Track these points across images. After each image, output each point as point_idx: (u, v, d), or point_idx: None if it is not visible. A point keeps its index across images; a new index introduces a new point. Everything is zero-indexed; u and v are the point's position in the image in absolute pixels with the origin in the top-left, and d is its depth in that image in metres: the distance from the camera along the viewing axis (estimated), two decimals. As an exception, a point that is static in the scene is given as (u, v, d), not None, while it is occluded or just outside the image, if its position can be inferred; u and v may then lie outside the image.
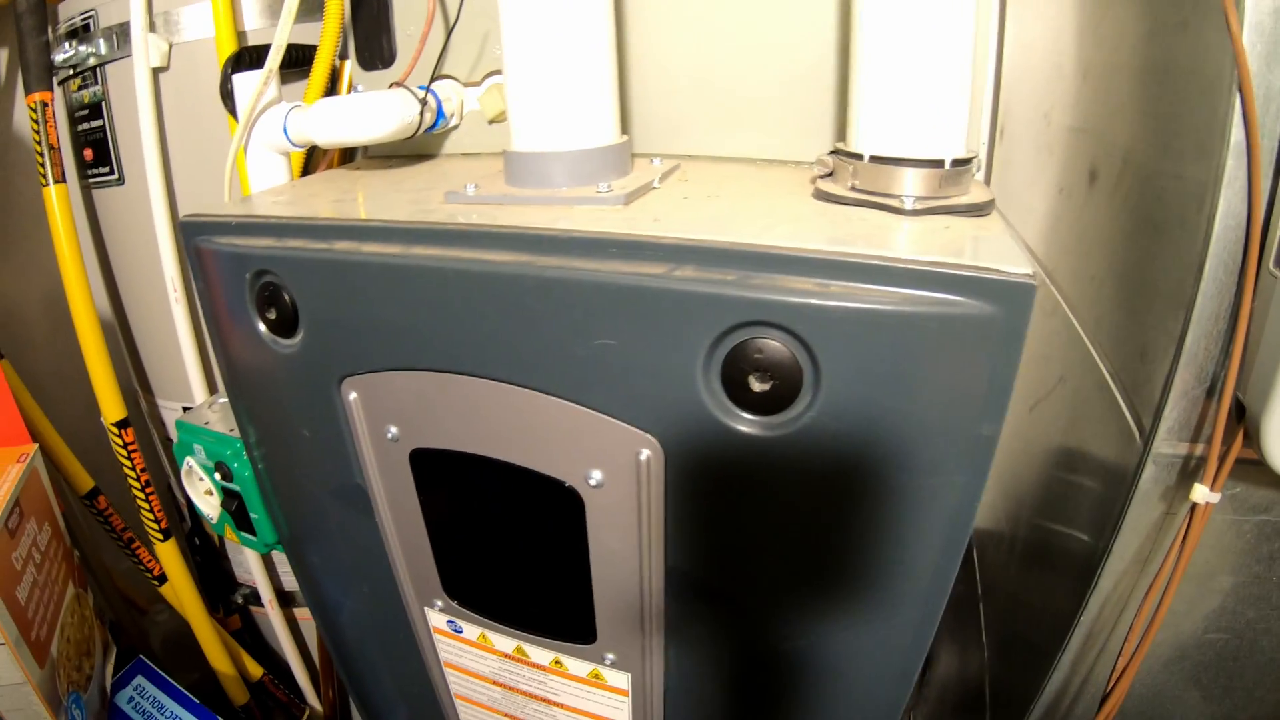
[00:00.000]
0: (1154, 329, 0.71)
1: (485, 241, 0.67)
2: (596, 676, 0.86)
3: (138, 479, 1.34)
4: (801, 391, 0.60)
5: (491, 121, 0.95)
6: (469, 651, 0.93)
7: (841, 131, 0.83)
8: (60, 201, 1.19)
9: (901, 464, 0.61)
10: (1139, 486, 0.71)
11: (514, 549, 0.82)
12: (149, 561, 1.44)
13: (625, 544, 0.74)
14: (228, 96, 1.05)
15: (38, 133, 1.17)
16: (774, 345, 0.59)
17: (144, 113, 1.17)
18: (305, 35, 1.00)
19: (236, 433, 0.98)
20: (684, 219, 0.67)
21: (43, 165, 1.18)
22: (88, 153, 1.31)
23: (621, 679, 0.85)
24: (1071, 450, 0.90)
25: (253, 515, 1.00)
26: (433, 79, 0.90)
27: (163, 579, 1.44)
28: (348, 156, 1.15)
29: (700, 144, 0.90)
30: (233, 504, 1.00)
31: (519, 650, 0.89)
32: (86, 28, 1.20)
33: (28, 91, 1.18)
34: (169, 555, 1.40)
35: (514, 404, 0.70)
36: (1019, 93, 1.03)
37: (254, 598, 1.55)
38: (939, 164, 0.66)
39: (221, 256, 0.78)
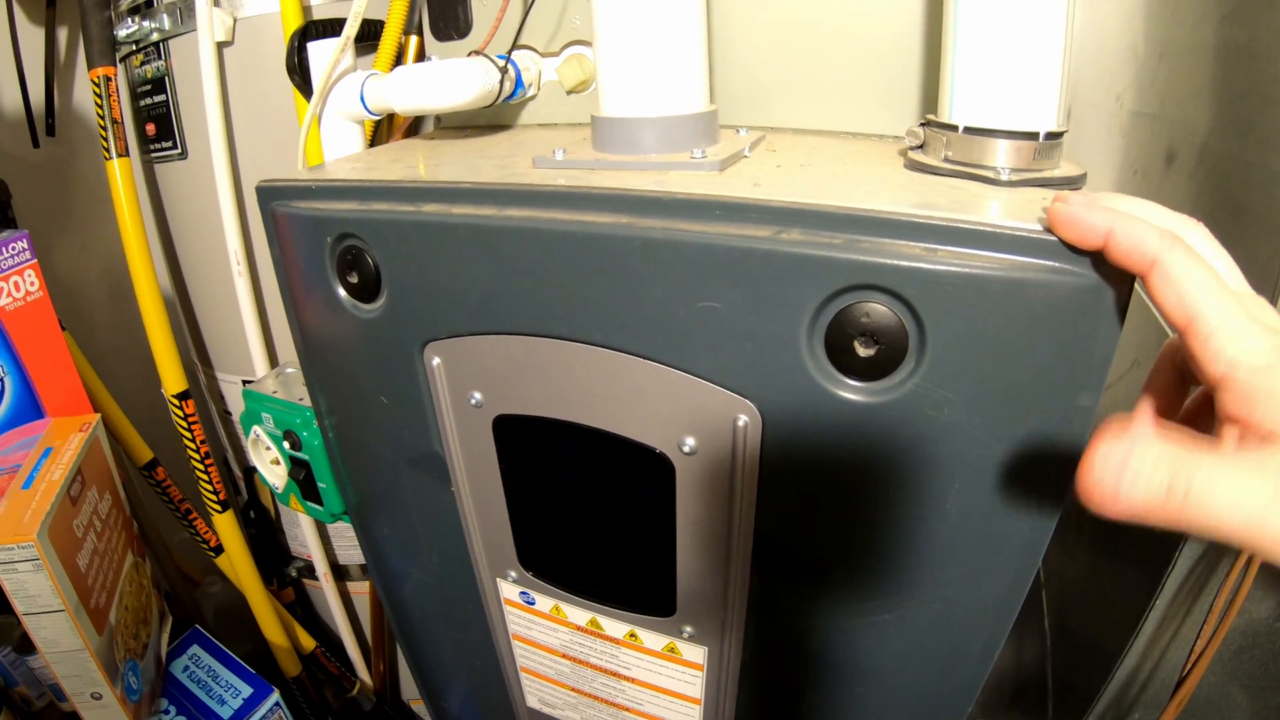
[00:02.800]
0: (1237, 311, 0.67)
1: (584, 203, 0.63)
2: (672, 650, 0.82)
3: (197, 450, 1.31)
4: (906, 357, 0.57)
5: (570, 92, 0.91)
6: (540, 624, 0.89)
7: (926, 106, 0.79)
8: (124, 175, 1.16)
9: (1000, 433, 0.58)
10: (1222, 467, 0.67)
11: (596, 518, 0.79)
12: (205, 533, 1.41)
13: (714, 513, 0.70)
14: (294, 70, 1.02)
15: (100, 107, 1.14)
16: (880, 310, 0.56)
17: (208, 87, 1.14)
18: (372, 10, 0.96)
19: (304, 401, 0.95)
20: (783, 185, 0.63)
21: (106, 139, 1.15)
22: (150, 127, 1.27)
23: (697, 653, 0.81)
24: (1148, 432, 0.86)
25: (320, 485, 0.97)
26: (512, 48, 0.86)
27: (219, 550, 1.41)
28: (414, 130, 1.12)
29: (782, 117, 0.86)
30: (300, 473, 0.97)
31: (593, 623, 0.85)
32: (150, 3, 1.17)
33: (90, 66, 1.15)
34: (226, 526, 1.37)
35: (606, 368, 0.66)
36: (1087, 74, 0.99)
37: (308, 571, 1.52)
38: (1034, 136, 0.62)
39: (301, 221, 0.75)
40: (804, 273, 0.56)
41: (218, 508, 1.35)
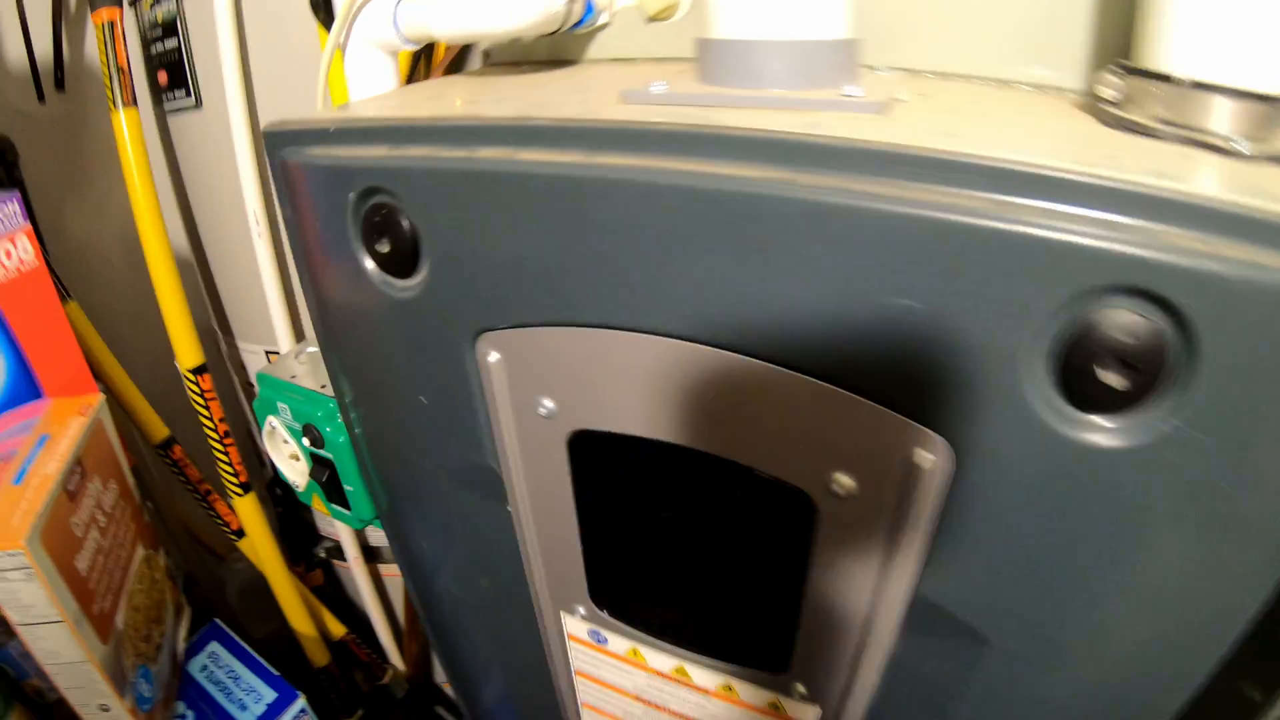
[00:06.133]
0: None
1: (718, 148, 0.40)
2: (775, 707, 0.61)
3: (215, 429, 1.09)
4: (1165, 389, 0.36)
5: (652, 19, 0.67)
6: (611, 664, 0.68)
7: (1101, 51, 0.55)
8: (131, 126, 0.95)
9: (1253, 485, 0.37)
10: None
11: (697, 559, 0.57)
12: (226, 515, 1.19)
13: (866, 566, 0.49)
14: (318, 7, 0.81)
15: (105, 54, 0.93)
16: (1138, 322, 0.35)
17: (223, 28, 0.93)
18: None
19: (329, 390, 0.73)
20: (983, 138, 0.40)
21: (111, 89, 0.94)
22: (162, 76, 1.06)
23: (809, 713, 0.59)
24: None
25: (347, 487, 0.75)
26: (580, -36, 0.63)
27: (240, 534, 1.20)
28: (455, 70, 0.89)
29: (909, 57, 0.62)
30: (323, 474, 0.75)
31: (680, 671, 0.64)
32: (160, -62, 0.95)
33: (93, 9, 0.93)
34: (248, 510, 1.16)
35: (735, 379, 0.44)
36: None
37: (337, 552, 1.31)
38: (1269, 100, 0.41)
39: (317, 172, 0.53)
40: (1041, 263, 0.35)
41: (239, 491, 1.14)
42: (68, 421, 0.89)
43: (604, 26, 0.68)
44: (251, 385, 1.23)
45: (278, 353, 1.10)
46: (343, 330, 0.61)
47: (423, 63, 0.88)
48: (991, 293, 0.36)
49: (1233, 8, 0.41)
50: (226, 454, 1.11)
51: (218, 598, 1.46)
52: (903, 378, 0.40)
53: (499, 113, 0.49)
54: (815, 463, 0.45)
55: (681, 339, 0.44)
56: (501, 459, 0.57)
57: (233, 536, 1.21)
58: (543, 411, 0.52)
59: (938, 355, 0.39)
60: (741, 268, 0.40)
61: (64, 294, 0.99)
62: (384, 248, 0.51)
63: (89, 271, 1.32)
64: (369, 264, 0.53)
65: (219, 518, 1.19)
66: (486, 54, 0.80)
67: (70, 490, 0.82)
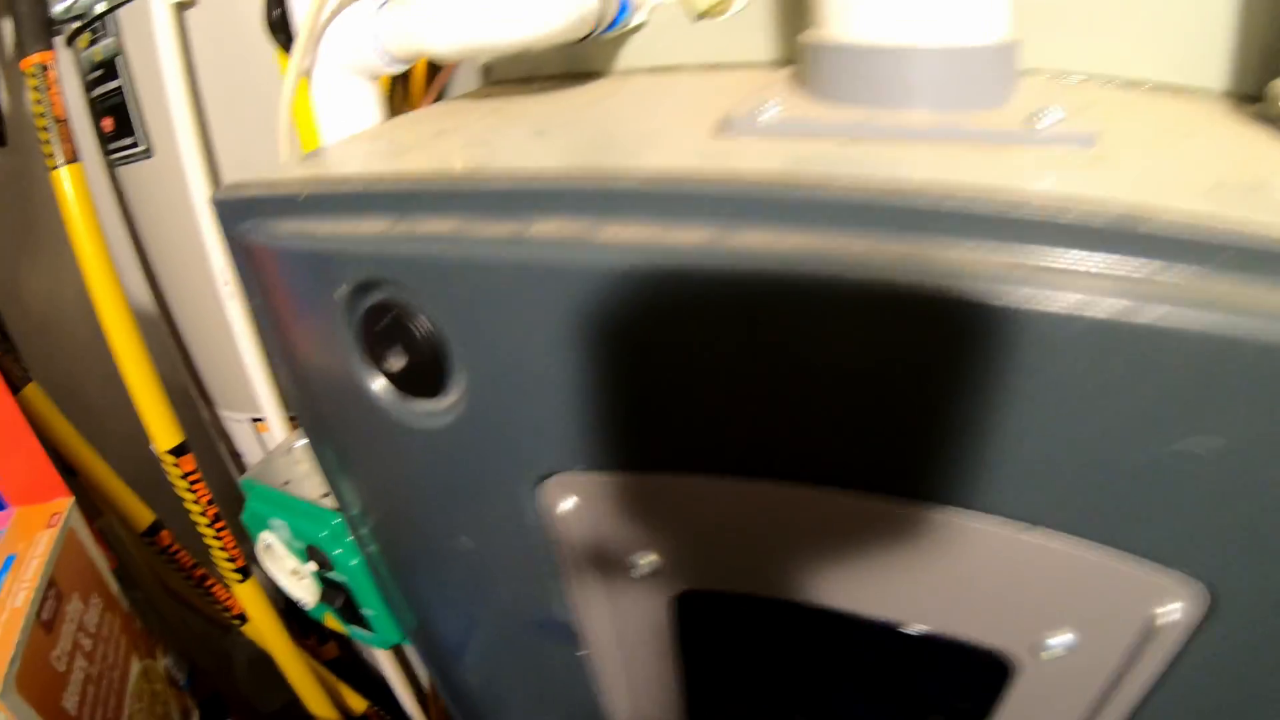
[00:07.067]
0: None
1: (934, 222, 0.25)
2: None
3: (204, 513, 0.93)
4: None
5: (700, 17, 0.51)
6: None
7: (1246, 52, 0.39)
8: (75, 185, 0.80)
9: None
10: None
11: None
12: (227, 599, 1.03)
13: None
14: (276, 27, 0.66)
15: (40, 103, 0.76)
16: None
17: (168, 63, 0.77)
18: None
19: (332, 500, 0.57)
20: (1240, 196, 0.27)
21: (48, 144, 0.77)
22: (106, 122, 0.89)
23: None
24: None
25: (366, 611, 0.59)
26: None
27: (243, 618, 1.04)
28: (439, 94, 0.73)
29: (1040, 56, 0.46)
30: (337, 599, 0.59)
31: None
32: (88, -35, 0.79)
33: (22, 55, 0.77)
34: (249, 596, 1.00)
35: (928, 537, 0.29)
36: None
37: (349, 620, 1.15)
38: None
39: (290, 259, 0.38)
40: None
41: (237, 577, 0.98)
42: (35, 537, 0.74)
43: (639, 28, 0.52)
44: (240, 456, 1.07)
45: (263, 420, 0.94)
46: (344, 459, 0.45)
47: (399, 89, 0.72)
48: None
49: None
50: (219, 538, 0.95)
51: (225, 675, 1.30)
52: (1161, 520, 0.26)
53: (550, 160, 0.33)
54: (1023, 621, 0.31)
55: (854, 490, 0.29)
56: (577, 612, 0.42)
57: (235, 622, 1.05)
58: (638, 572, 0.37)
59: (1215, 496, 0.25)
60: (970, 398, 0.25)
61: (23, 377, 0.84)
62: (396, 363, 0.36)
63: (52, 342, 1.16)
64: (376, 382, 0.38)
65: (219, 603, 1.04)
66: (488, 69, 0.63)
67: (45, 620, 0.68)
